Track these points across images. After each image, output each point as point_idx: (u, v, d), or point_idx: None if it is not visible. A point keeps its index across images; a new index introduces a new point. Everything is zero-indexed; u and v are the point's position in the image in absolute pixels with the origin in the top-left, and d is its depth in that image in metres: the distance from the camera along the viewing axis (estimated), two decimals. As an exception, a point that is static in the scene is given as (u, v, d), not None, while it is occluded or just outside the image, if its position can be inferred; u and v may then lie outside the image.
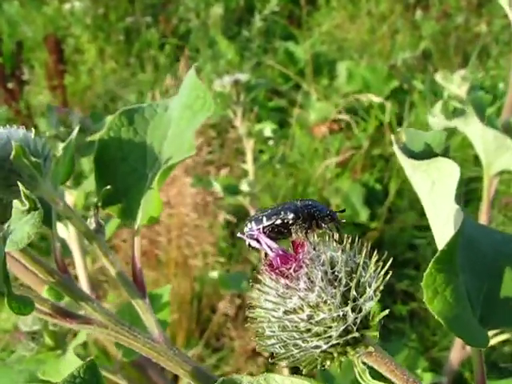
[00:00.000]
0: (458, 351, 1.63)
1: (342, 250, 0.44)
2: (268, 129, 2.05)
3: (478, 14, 4.19)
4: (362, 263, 0.44)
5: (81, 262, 1.08)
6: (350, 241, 0.45)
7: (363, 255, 0.44)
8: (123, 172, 0.69)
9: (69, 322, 0.63)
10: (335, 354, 0.42)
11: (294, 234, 0.48)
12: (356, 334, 0.41)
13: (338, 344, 0.41)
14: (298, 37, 4.31)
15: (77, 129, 0.65)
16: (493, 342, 0.85)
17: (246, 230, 0.50)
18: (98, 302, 0.64)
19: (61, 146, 1.01)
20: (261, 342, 0.44)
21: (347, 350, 0.42)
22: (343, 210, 0.52)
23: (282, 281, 0.42)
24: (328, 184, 3.20)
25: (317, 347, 0.41)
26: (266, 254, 0.44)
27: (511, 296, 0.73)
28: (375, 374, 0.47)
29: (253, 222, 0.50)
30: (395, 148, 0.68)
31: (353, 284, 0.42)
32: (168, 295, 1.06)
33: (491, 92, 1.64)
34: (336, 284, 0.42)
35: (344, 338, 0.41)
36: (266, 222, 0.49)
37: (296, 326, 0.41)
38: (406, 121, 3.15)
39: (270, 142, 3.11)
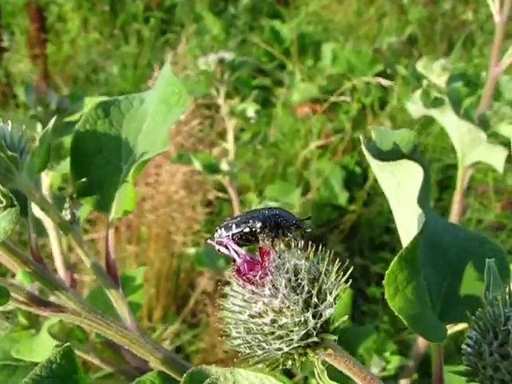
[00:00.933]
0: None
1: (306, 258, 0.46)
2: (251, 109, 2.05)
3: (464, 2, 4.19)
4: (324, 271, 0.46)
5: (56, 242, 1.09)
6: (313, 249, 0.48)
7: (325, 263, 0.47)
8: (98, 164, 0.70)
9: (43, 310, 0.64)
10: (296, 356, 0.44)
11: (261, 242, 0.50)
12: (315, 339, 0.44)
13: (299, 347, 0.44)
14: (285, 15, 4.28)
15: (53, 119, 0.65)
16: (451, 331, 0.88)
17: (216, 235, 0.52)
18: (73, 290, 0.66)
19: (39, 127, 1.01)
20: (228, 341, 0.46)
21: (307, 351, 0.45)
22: (309, 218, 0.54)
23: (249, 287, 0.45)
24: (308, 165, 3.22)
25: (279, 349, 0.44)
26: (235, 260, 0.46)
27: (471, 292, 0.75)
28: (336, 373, 0.49)
29: (222, 229, 0.52)
30: (363, 148, 0.69)
31: (314, 291, 0.44)
32: (142, 278, 1.07)
33: (473, 81, 1.65)
34: (299, 291, 0.44)
35: (305, 342, 0.44)
36: (235, 230, 0.51)
37: (260, 329, 0.44)
38: (389, 106, 3.16)
39: (252, 121, 3.11)
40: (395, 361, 1.58)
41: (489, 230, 2.77)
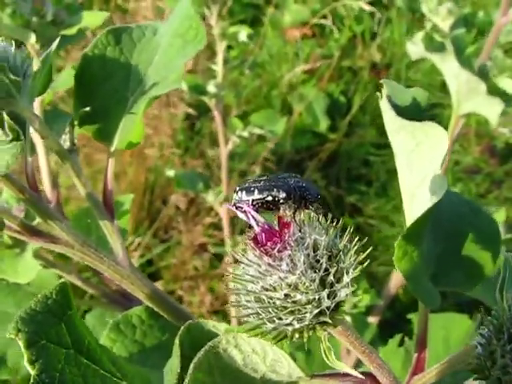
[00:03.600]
0: (396, 278, 1.70)
1: (326, 234, 0.44)
2: (244, 33, 1.98)
3: None
4: (342, 249, 0.45)
5: (44, 158, 1.05)
6: (334, 224, 0.46)
7: (344, 240, 0.45)
8: (104, 92, 0.67)
9: (36, 239, 0.63)
10: (305, 332, 0.43)
11: (282, 212, 0.48)
12: (327, 319, 0.43)
13: (310, 324, 0.43)
14: None
15: (57, 41, 0.61)
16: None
17: (234, 197, 0.50)
18: (67, 222, 0.64)
19: (33, 37, 0.96)
20: (236, 309, 0.45)
21: (316, 328, 0.44)
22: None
23: (265, 259, 0.43)
24: (293, 89, 3.17)
25: (290, 325, 0.42)
26: (251, 226, 0.44)
27: (462, 258, 0.76)
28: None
29: (243, 192, 0.49)
30: (384, 101, 0.67)
31: (332, 270, 0.43)
32: (129, 204, 1.06)
33: (470, 20, 1.61)
34: (317, 268, 0.43)
35: (316, 320, 0.43)
36: (256, 195, 0.48)
37: (273, 303, 0.43)
38: (380, 37, 3.10)
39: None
40: (367, 299, 1.61)
41: (465, 172, 2.80)
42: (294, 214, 0.46)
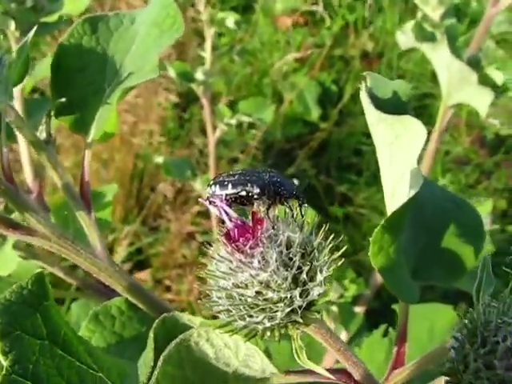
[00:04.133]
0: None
1: (300, 231, 0.43)
2: (231, 19, 1.96)
3: None
4: (317, 246, 0.43)
5: (25, 146, 1.04)
6: (308, 220, 0.45)
7: (319, 238, 0.44)
8: (80, 83, 0.66)
9: (12, 232, 0.61)
10: (276, 331, 0.43)
11: (255, 207, 0.46)
12: (298, 318, 0.42)
13: (281, 323, 0.42)
14: None
15: (33, 29, 0.60)
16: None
17: (208, 190, 0.49)
18: (44, 214, 0.63)
19: (12, 25, 0.94)
20: (207, 304, 0.44)
21: (288, 326, 0.43)
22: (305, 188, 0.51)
23: (237, 255, 0.42)
24: (284, 78, 3.16)
25: (260, 323, 0.42)
26: (223, 221, 0.43)
27: (444, 252, 0.75)
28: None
29: (217, 186, 0.48)
30: (363, 94, 0.66)
31: (305, 268, 0.42)
32: (112, 195, 1.05)
33: (462, 9, 1.60)
34: (289, 266, 0.42)
35: (288, 319, 0.42)
36: (230, 190, 0.47)
37: (244, 300, 0.42)
38: (372, 26, 3.08)
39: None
40: (353, 289, 1.60)
41: (455, 162, 2.80)
42: (267, 209, 0.45)
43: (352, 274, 1.75)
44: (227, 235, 0.43)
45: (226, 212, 0.43)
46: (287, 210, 0.46)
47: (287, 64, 3.06)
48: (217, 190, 0.48)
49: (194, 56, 2.89)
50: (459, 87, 1.36)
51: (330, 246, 0.44)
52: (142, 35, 0.66)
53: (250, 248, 0.41)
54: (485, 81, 1.39)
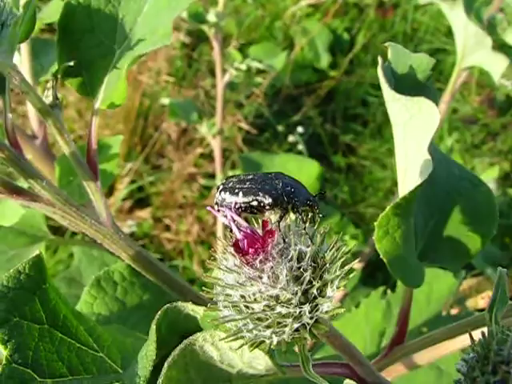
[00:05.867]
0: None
1: (312, 242, 0.41)
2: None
3: None
4: (329, 260, 0.42)
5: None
6: (321, 232, 0.43)
7: (332, 250, 0.42)
8: (88, 44, 0.62)
9: (15, 198, 0.60)
10: (283, 344, 0.41)
11: (266, 215, 0.45)
12: (307, 334, 0.41)
13: (289, 337, 0.41)
14: None
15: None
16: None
17: (217, 197, 0.46)
18: (48, 180, 0.62)
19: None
20: (212, 311, 0.43)
21: (296, 340, 0.41)
22: (323, 193, 0.49)
23: (246, 269, 0.40)
24: (296, 22, 3.08)
25: (268, 337, 0.40)
26: (232, 230, 0.41)
27: (454, 234, 0.74)
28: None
29: (227, 193, 0.46)
30: (379, 70, 0.64)
31: (315, 283, 0.40)
32: (118, 146, 1.03)
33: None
34: (300, 281, 0.40)
35: (296, 334, 0.41)
36: (241, 199, 0.45)
37: (251, 313, 0.40)
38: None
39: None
40: (352, 244, 1.60)
41: (462, 121, 2.77)
42: (279, 221, 0.43)
43: (352, 230, 1.76)
44: (236, 245, 0.41)
45: (235, 222, 0.41)
46: (299, 219, 0.44)
47: (300, 9, 2.99)
48: (227, 197, 0.46)
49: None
50: (474, 50, 1.33)
51: (343, 258, 0.42)
52: (156, -5, 0.63)
53: (260, 262, 0.40)
54: (501, 44, 1.36)
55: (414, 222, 0.69)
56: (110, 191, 2.67)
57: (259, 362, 0.45)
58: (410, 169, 0.65)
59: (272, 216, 0.44)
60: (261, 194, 0.45)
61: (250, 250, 0.40)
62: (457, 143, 2.67)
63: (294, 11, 2.96)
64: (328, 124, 2.99)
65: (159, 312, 0.48)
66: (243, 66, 2.15)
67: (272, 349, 0.41)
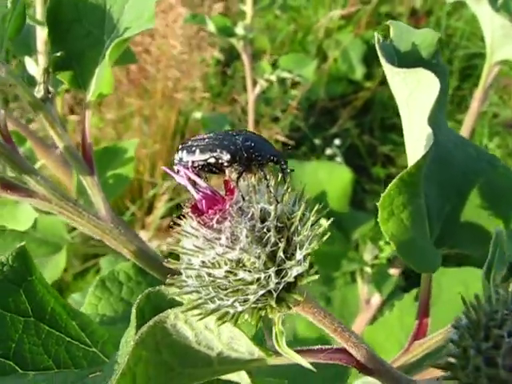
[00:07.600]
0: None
1: (277, 201, 0.38)
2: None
3: None
4: (298, 219, 0.38)
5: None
6: (288, 189, 0.39)
7: (301, 209, 0.38)
8: (76, 34, 0.62)
9: (10, 194, 0.59)
10: (254, 314, 0.38)
11: (227, 175, 0.41)
12: (273, 302, 0.37)
13: (255, 307, 0.38)
14: None
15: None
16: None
17: (175, 157, 0.44)
18: (43, 175, 0.61)
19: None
20: (177, 283, 0.40)
21: (267, 309, 0.38)
22: (290, 148, 0.46)
23: (203, 231, 0.37)
24: (329, 35, 3.07)
25: (231, 307, 0.38)
26: (189, 191, 0.38)
27: (473, 217, 0.70)
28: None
29: (184, 152, 0.43)
30: (376, 46, 0.61)
31: (282, 244, 0.37)
32: (133, 150, 1.03)
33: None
34: (263, 242, 0.36)
35: (262, 303, 0.37)
36: (197, 156, 0.42)
37: (212, 281, 0.37)
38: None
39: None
40: (388, 251, 1.55)
41: (503, 125, 2.69)
42: (238, 178, 0.40)
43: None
44: (194, 207, 0.38)
45: (192, 181, 0.38)
46: (264, 177, 0.40)
47: (332, 21, 2.98)
48: (184, 155, 0.43)
49: (237, 11, 2.83)
50: (502, 43, 1.29)
51: (314, 217, 0.38)
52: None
53: (217, 222, 0.37)
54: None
55: (427, 205, 0.65)
56: (149, 210, 2.69)
57: (239, 343, 0.42)
58: (417, 145, 0.61)
59: (232, 176, 0.41)
60: (218, 150, 0.42)
61: (209, 211, 0.37)
62: (498, 148, 2.59)
63: (325, 23, 2.95)
64: (365, 135, 2.96)
65: (140, 296, 0.46)
66: (273, 77, 2.13)
67: (241, 321, 0.38)
